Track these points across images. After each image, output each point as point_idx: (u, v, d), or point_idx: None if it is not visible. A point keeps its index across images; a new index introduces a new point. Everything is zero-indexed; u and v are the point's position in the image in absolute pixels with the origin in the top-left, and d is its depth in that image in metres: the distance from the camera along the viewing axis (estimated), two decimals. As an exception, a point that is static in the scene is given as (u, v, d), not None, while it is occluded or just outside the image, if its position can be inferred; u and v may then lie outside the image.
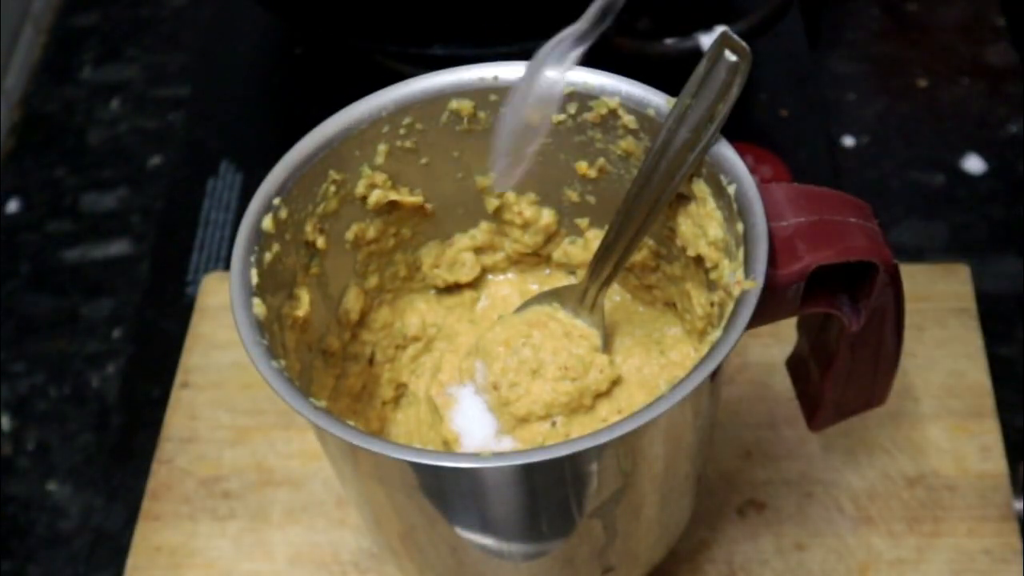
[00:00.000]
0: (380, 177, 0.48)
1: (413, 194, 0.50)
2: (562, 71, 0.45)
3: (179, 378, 0.61)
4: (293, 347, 0.45)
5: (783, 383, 0.53)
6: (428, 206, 0.50)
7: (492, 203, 0.51)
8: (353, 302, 0.50)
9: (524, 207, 0.51)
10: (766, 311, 0.41)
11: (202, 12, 0.84)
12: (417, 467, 0.40)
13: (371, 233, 0.49)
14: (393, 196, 0.49)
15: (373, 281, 0.51)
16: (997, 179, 0.71)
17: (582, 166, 0.49)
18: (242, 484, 0.58)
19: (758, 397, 0.58)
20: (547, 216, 0.51)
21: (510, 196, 0.51)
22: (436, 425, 0.50)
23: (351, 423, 0.40)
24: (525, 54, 0.45)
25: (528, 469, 0.39)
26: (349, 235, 0.49)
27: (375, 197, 0.48)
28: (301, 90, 0.78)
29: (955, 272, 0.62)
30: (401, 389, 0.53)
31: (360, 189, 0.48)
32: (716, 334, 0.40)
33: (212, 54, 0.81)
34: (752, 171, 0.43)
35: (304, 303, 0.46)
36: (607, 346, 0.50)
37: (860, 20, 0.80)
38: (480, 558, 0.46)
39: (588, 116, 0.47)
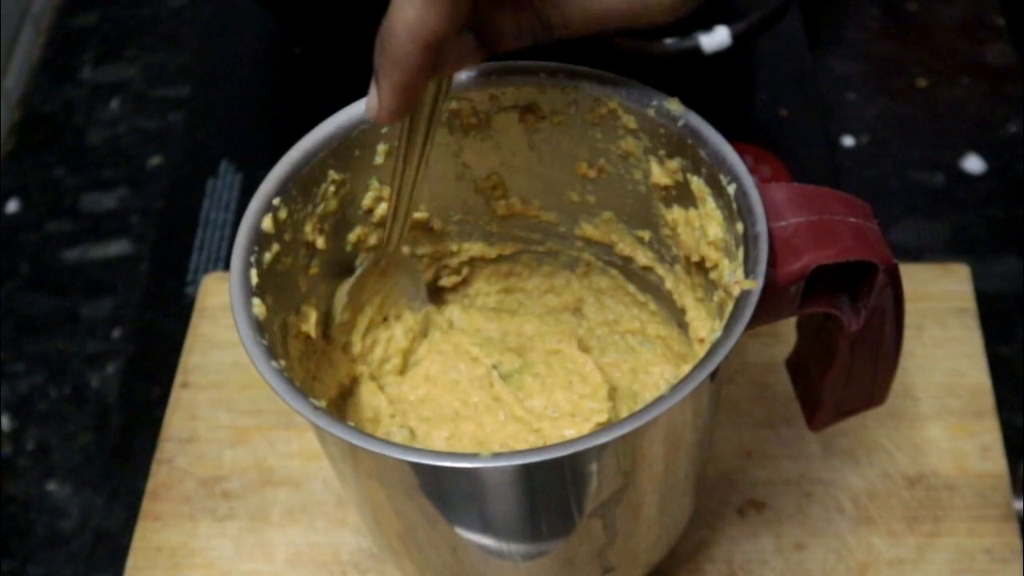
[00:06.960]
0: (388, 190, 0.48)
1: (418, 210, 0.50)
2: None
3: (179, 378, 0.61)
4: (297, 356, 0.45)
5: (783, 383, 0.53)
6: (433, 225, 0.51)
7: (499, 207, 0.51)
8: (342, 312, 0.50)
9: (536, 211, 0.51)
10: (766, 311, 0.41)
11: (202, 12, 0.84)
12: (417, 467, 0.40)
13: (372, 240, 0.49)
14: None
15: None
16: (997, 179, 0.71)
17: (582, 166, 0.49)
18: (242, 484, 0.58)
19: (758, 397, 0.58)
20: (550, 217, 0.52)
21: (516, 202, 0.51)
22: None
23: (351, 423, 0.40)
24: (524, 54, 0.45)
25: (528, 469, 0.39)
26: (351, 237, 0.49)
27: (382, 210, 0.48)
28: (301, 90, 0.78)
29: (955, 272, 0.62)
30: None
31: (367, 202, 0.48)
32: (716, 334, 0.40)
33: (212, 54, 0.81)
34: (752, 171, 0.43)
35: (311, 321, 0.46)
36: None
37: (860, 20, 0.80)
38: (480, 558, 0.45)
39: (588, 116, 0.47)
